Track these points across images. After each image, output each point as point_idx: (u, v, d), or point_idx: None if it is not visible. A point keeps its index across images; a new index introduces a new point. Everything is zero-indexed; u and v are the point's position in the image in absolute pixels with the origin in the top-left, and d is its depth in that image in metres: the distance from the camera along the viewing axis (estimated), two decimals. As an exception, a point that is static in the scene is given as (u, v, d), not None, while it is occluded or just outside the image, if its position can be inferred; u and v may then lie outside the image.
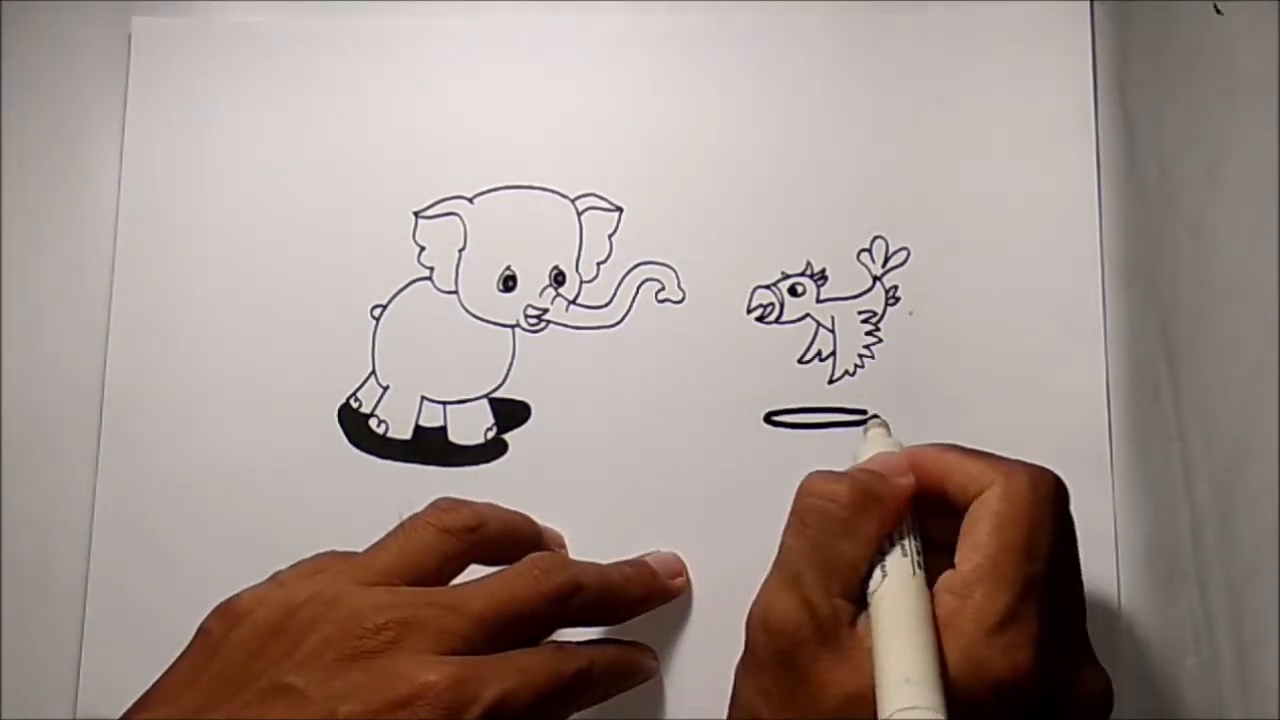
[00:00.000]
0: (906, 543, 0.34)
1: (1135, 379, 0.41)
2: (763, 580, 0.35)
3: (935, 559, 0.34)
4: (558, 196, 0.44)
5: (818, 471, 0.35)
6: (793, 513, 0.35)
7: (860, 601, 0.33)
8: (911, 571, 0.33)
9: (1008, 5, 0.44)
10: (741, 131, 0.44)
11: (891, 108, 0.44)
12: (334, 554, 0.36)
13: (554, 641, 0.36)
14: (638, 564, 0.40)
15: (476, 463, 0.43)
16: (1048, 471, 0.34)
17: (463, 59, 0.45)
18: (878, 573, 0.33)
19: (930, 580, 0.33)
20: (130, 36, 0.45)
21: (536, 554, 0.36)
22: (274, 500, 0.43)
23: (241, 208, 0.45)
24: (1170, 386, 0.39)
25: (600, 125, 0.44)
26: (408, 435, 0.43)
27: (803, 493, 0.35)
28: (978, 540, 0.32)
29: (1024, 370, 0.42)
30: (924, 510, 0.35)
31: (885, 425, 0.39)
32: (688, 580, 0.41)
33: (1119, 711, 0.39)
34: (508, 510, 0.39)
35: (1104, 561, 0.40)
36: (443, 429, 0.43)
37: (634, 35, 0.45)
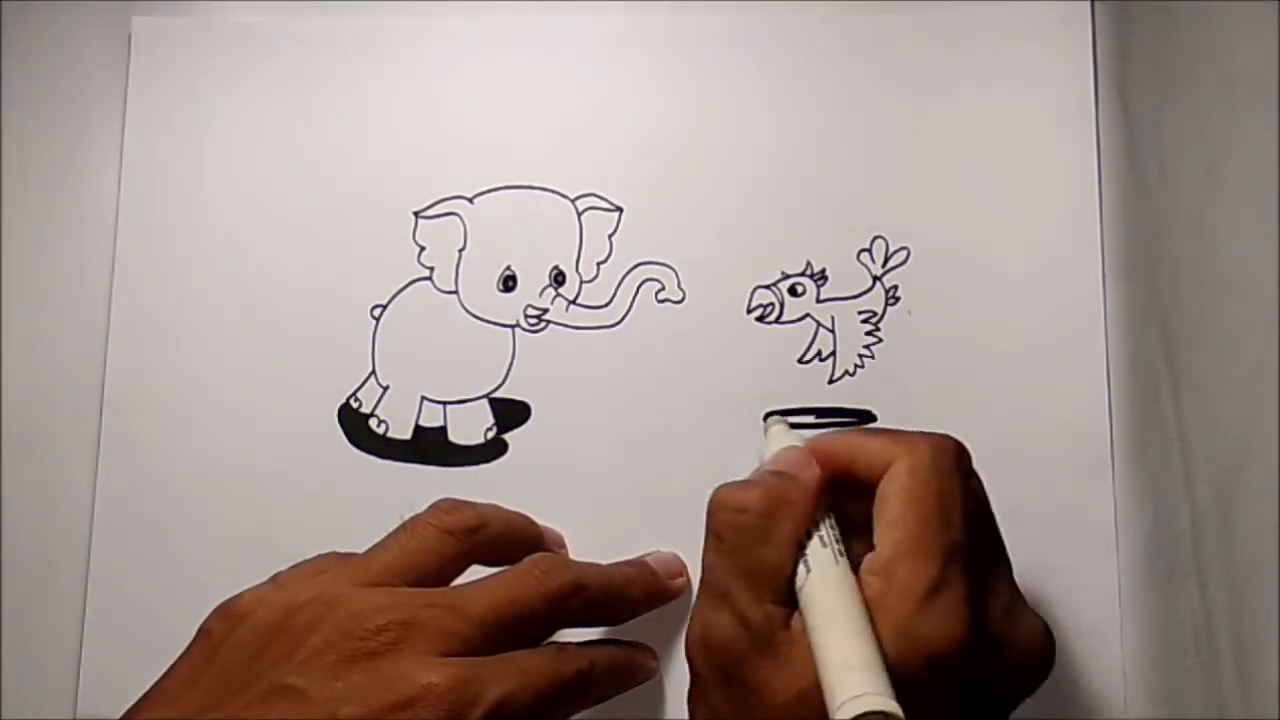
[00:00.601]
0: (824, 533, 0.34)
1: (1135, 379, 0.41)
2: (691, 606, 0.34)
3: (858, 541, 0.34)
4: (558, 196, 0.44)
5: (725, 485, 0.35)
6: (708, 530, 0.35)
7: (790, 602, 0.33)
8: (834, 560, 0.33)
9: (1008, 5, 0.44)
10: (741, 131, 0.44)
11: (891, 108, 0.44)
12: (335, 555, 0.36)
13: (555, 643, 0.36)
14: (638, 564, 0.40)
15: (476, 463, 0.43)
16: (947, 438, 0.34)
17: (463, 59, 0.45)
18: (801, 568, 0.33)
19: (855, 563, 0.33)
20: (130, 36, 0.45)
21: (537, 555, 0.36)
22: (274, 500, 0.43)
23: (241, 208, 0.45)
24: (1170, 386, 0.39)
25: (600, 125, 0.44)
26: (408, 435, 0.43)
27: (713, 508, 0.35)
28: (891, 517, 0.32)
29: (1024, 370, 0.42)
30: (839, 495, 0.35)
31: (784, 422, 0.40)
32: (688, 580, 0.41)
33: (1119, 711, 0.40)
34: (509, 511, 0.39)
35: (1104, 561, 0.41)
36: (443, 429, 0.43)
37: (634, 35, 0.45)
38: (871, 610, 0.31)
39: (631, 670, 0.38)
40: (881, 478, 0.34)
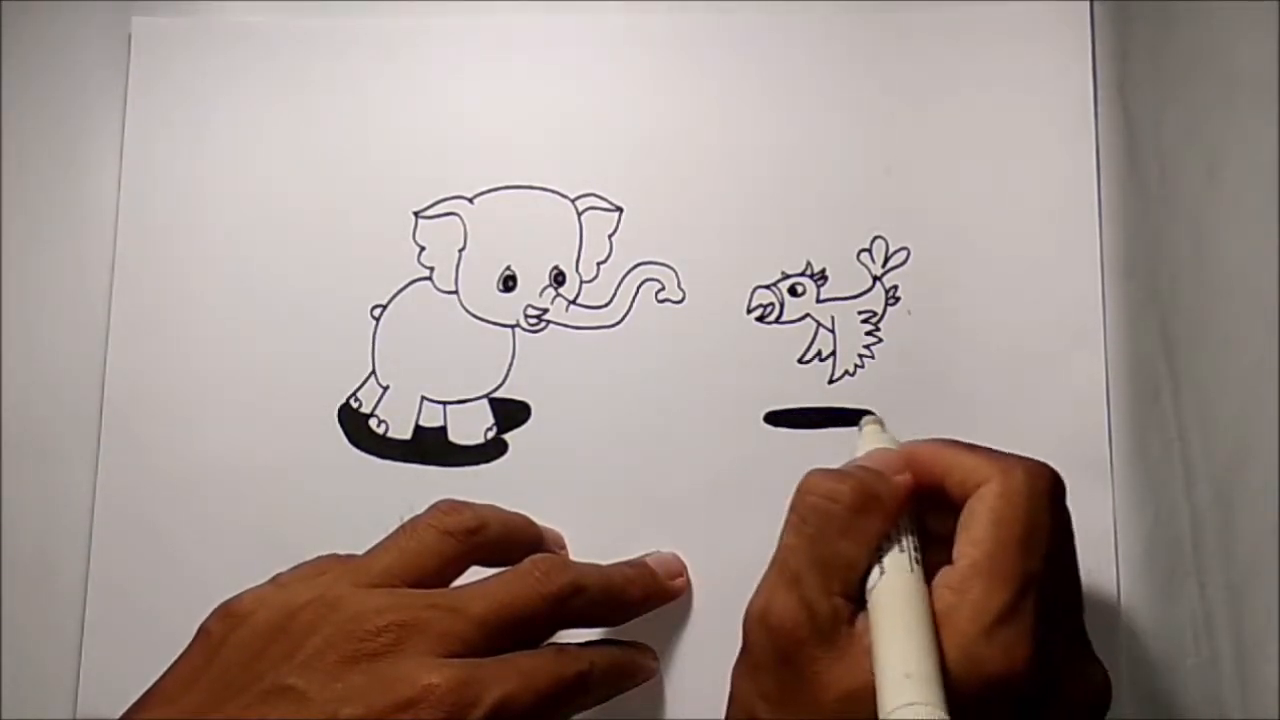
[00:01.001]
0: (904, 539, 0.34)
1: (1135, 379, 0.41)
2: (760, 578, 0.34)
3: (934, 554, 0.34)
4: (558, 196, 0.44)
5: (818, 470, 0.35)
6: (792, 510, 0.35)
7: (859, 601, 0.33)
8: (909, 568, 0.33)
9: (1008, 5, 0.44)
10: (741, 131, 0.44)
11: (891, 108, 0.44)
12: (335, 557, 0.36)
13: (554, 644, 0.36)
14: (638, 565, 0.40)
15: (476, 463, 0.43)
16: (1045, 466, 0.34)
17: (463, 59, 0.45)
18: (875, 570, 0.33)
19: (929, 575, 0.33)
20: (130, 36, 0.45)
21: (537, 555, 0.36)
22: (274, 500, 0.43)
23: (241, 207, 0.45)
24: (1170, 386, 0.39)
25: (600, 125, 0.44)
26: (408, 435, 0.43)
27: (803, 491, 0.35)
28: (975, 536, 0.32)
29: (1024, 370, 0.42)
30: (923, 505, 0.35)
31: (880, 421, 0.39)
32: (688, 581, 0.41)
33: (1119, 711, 0.40)
34: (508, 512, 0.39)
35: (1104, 561, 0.40)
36: (443, 429, 0.43)
37: (634, 35, 0.45)
38: (939, 625, 0.31)
39: (631, 671, 0.38)
40: (970, 494, 0.33)
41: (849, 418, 0.42)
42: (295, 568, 0.36)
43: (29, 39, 0.46)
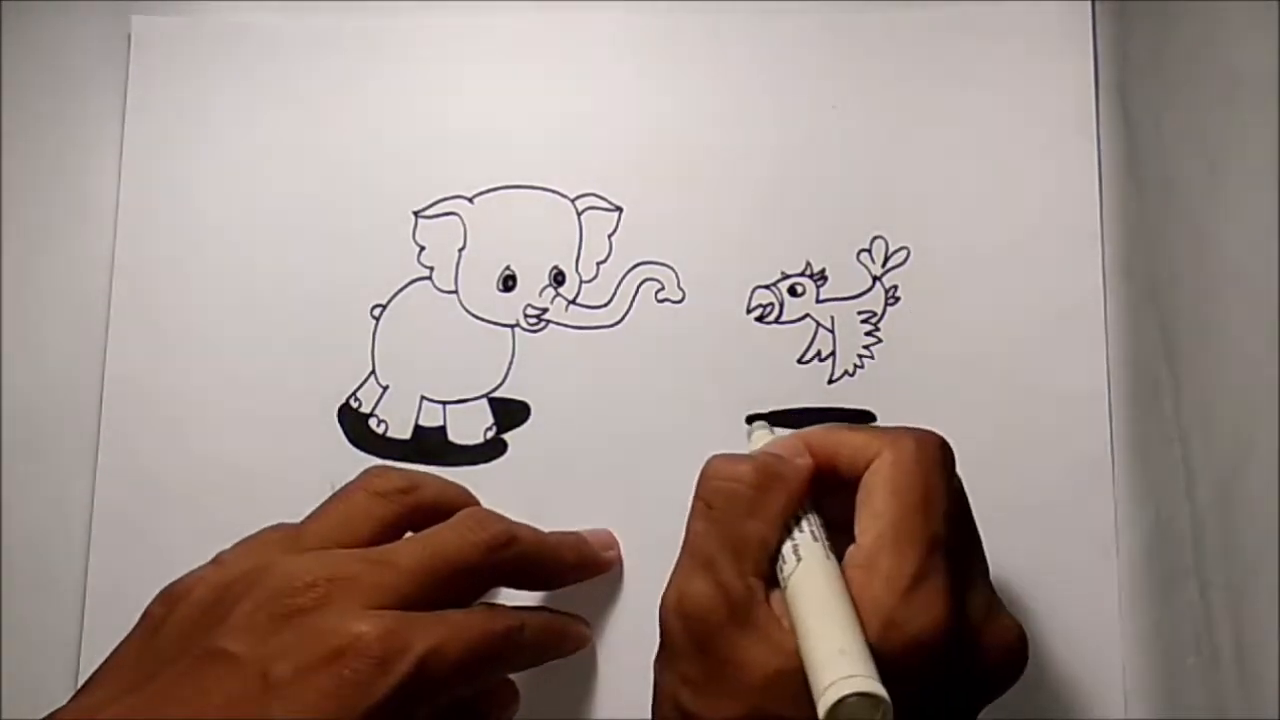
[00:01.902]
0: (812, 525, 0.34)
1: (1135, 379, 0.41)
2: (672, 568, 0.34)
3: (835, 538, 0.34)
4: (557, 196, 0.44)
5: (719, 455, 0.36)
6: (697, 496, 0.35)
7: (771, 580, 0.33)
8: (821, 549, 0.33)
9: (1008, 5, 0.44)
10: (741, 131, 0.44)
11: (891, 108, 0.44)
12: (274, 528, 0.36)
13: (485, 603, 0.36)
14: (571, 533, 0.40)
15: (476, 462, 0.43)
16: (931, 433, 0.34)
17: (463, 59, 0.45)
18: (790, 555, 0.33)
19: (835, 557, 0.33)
20: (130, 36, 0.45)
21: (471, 508, 0.36)
22: (273, 500, 0.43)
23: (241, 207, 0.45)
24: (1170, 386, 0.39)
25: (600, 125, 0.44)
26: (407, 435, 0.43)
27: (707, 475, 0.35)
28: (875, 508, 0.33)
29: (1024, 370, 0.42)
30: (817, 490, 0.35)
31: (767, 426, 0.40)
32: (619, 555, 0.41)
33: (1119, 711, 0.40)
34: (444, 480, 0.38)
35: (1104, 561, 0.40)
36: (442, 429, 0.43)
37: (634, 35, 0.45)
38: (856, 601, 0.31)
39: (563, 635, 0.38)
40: (863, 470, 0.34)
41: (848, 418, 0.42)
42: (236, 544, 0.36)
43: (29, 39, 0.46)
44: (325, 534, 0.35)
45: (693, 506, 0.35)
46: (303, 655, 0.30)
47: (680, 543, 0.42)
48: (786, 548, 0.33)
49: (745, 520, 0.33)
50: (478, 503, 0.38)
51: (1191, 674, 0.38)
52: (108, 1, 0.46)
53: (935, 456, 0.33)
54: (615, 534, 0.42)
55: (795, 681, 0.30)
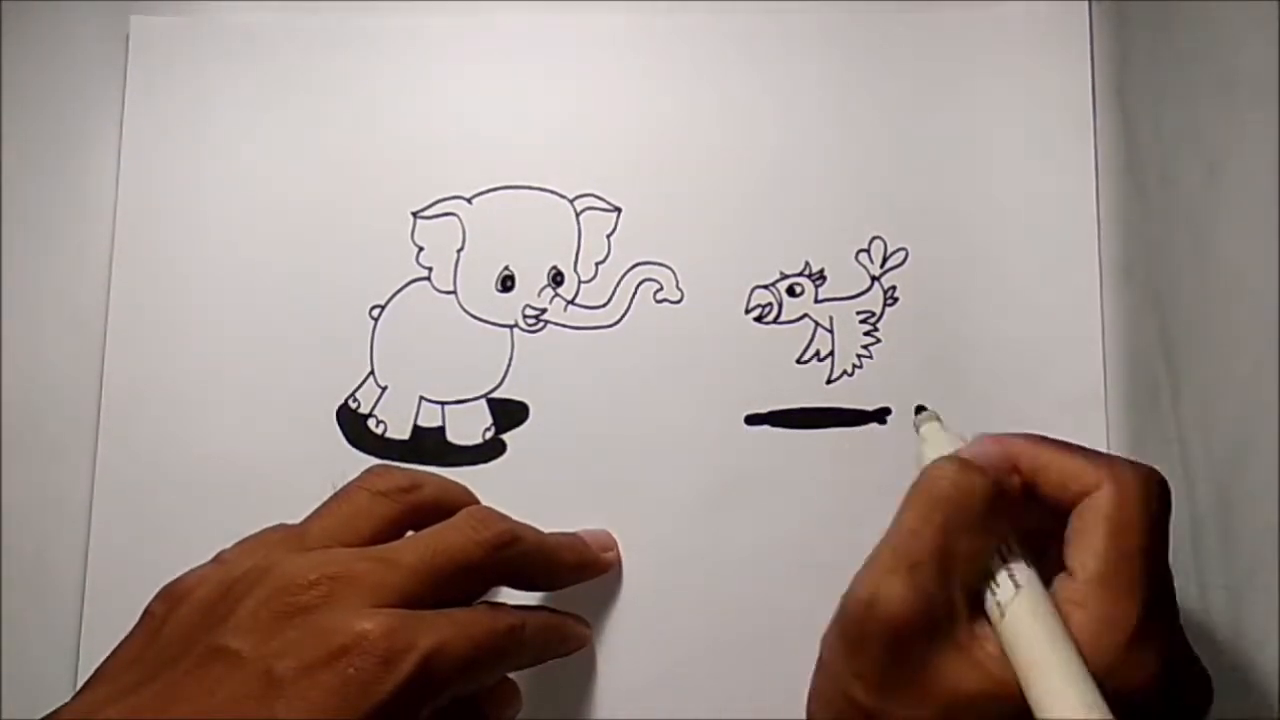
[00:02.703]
0: (1018, 548, 0.33)
1: (1135, 379, 0.41)
2: (871, 555, 0.33)
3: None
4: (556, 196, 0.44)
5: (948, 458, 0.34)
6: (919, 495, 0.33)
7: (973, 601, 0.32)
8: (1041, 585, 0.32)
9: (1008, 5, 0.44)
10: (741, 131, 0.44)
11: (890, 108, 0.44)
12: (275, 527, 0.36)
13: (487, 601, 0.35)
14: (570, 534, 0.40)
15: (474, 463, 0.43)
16: (1154, 471, 0.33)
17: (462, 59, 0.45)
18: (1007, 581, 0.32)
19: None
20: (129, 36, 0.45)
21: (473, 506, 0.36)
22: (272, 500, 0.43)
23: (240, 207, 0.45)
24: (1170, 386, 0.39)
25: (599, 125, 0.44)
26: (406, 435, 0.43)
27: (935, 477, 0.33)
28: (1095, 546, 0.31)
29: (1023, 371, 0.42)
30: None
31: (936, 416, 0.38)
32: (618, 556, 0.41)
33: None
34: (445, 479, 0.38)
35: (1104, 562, 0.40)
36: (441, 429, 0.43)
37: (634, 35, 0.45)
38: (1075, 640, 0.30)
39: (564, 634, 0.38)
40: (1073, 498, 0.32)
41: (849, 418, 0.42)
42: (237, 543, 0.36)
43: (28, 39, 0.46)
44: (327, 533, 0.35)
45: (911, 504, 0.33)
46: (306, 653, 0.30)
47: (678, 541, 0.42)
48: (1002, 573, 0.32)
49: (968, 534, 0.32)
50: (478, 501, 0.38)
51: (1191, 674, 0.38)
52: (107, 1, 0.46)
53: (1158, 496, 0.32)
54: (614, 534, 0.42)
55: (995, 706, 0.30)
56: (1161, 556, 0.32)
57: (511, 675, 0.37)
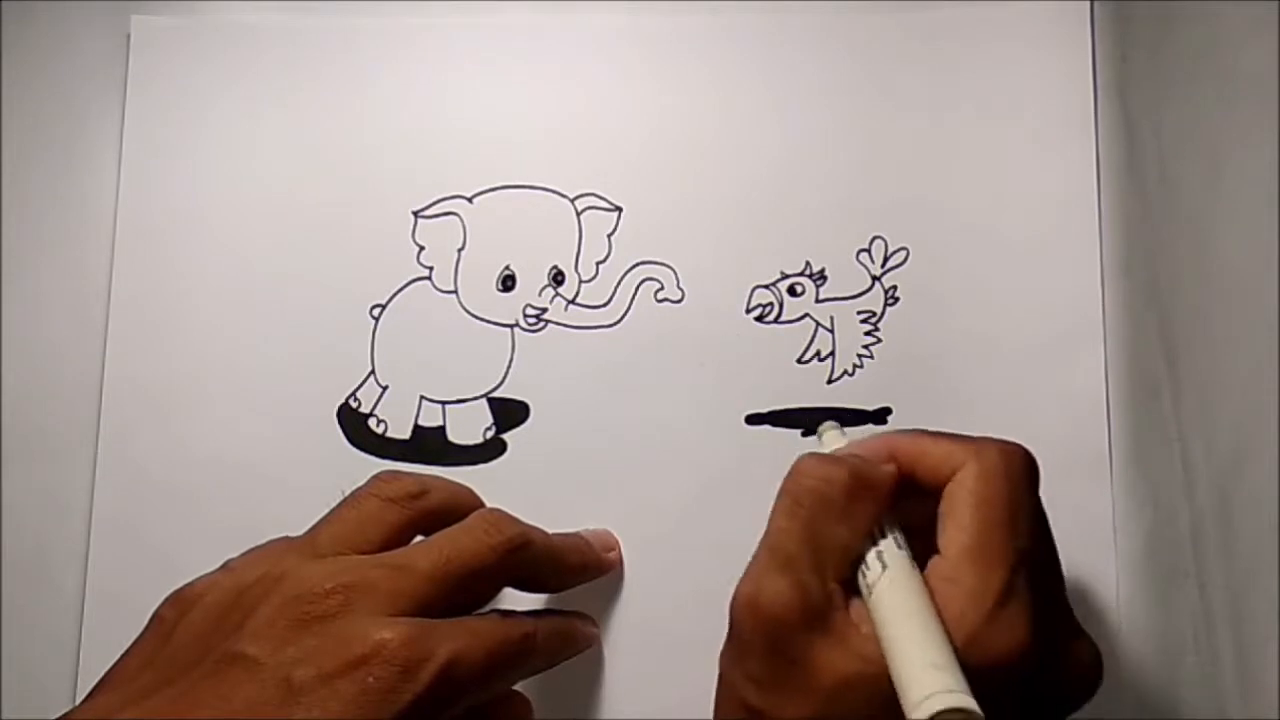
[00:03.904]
0: (895, 534, 0.34)
1: (1135, 379, 0.41)
2: (748, 563, 0.34)
3: (909, 545, 0.34)
4: (557, 196, 0.44)
5: (811, 454, 0.35)
6: (784, 493, 0.34)
7: (849, 586, 0.33)
8: (910, 564, 0.33)
9: (1008, 5, 0.44)
10: (741, 131, 0.44)
11: (891, 107, 0.44)
12: (284, 539, 0.36)
13: (498, 609, 0.36)
14: (574, 535, 0.40)
15: (475, 462, 0.43)
16: (1018, 445, 0.34)
17: (463, 59, 0.45)
18: (875, 563, 0.33)
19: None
20: (129, 36, 0.45)
21: (483, 509, 0.36)
22: (273, 500, 0.43)
23: (240, 207, 0.45)
24: (1170, 386, 0.39)
25: (600, 125, 0.44)
26: (407, 435, 0.43)
27: (798, 474, 0.34)
28: (960, 521, 0.32)
29: (1023, 371, 0.42)
30: (897, 496, 0.35)
31: (838, 426, 0.39)
32: (620, 555, 0.42)
33: (1119, 711, 0.39)
34: (453, 482, 0.38)
35: (1104, 561, 0.40)
36: (442, 428, 0.43)
37: (634, 35, 0.45)
38: (941, 614, 0.31)
39: (573, 636, 0.38)
40: (945, 481, 0.33)
41: (849, 418, 0.42)
42: (246, 552, 0.35)
43: (29, 39, 0.46)
44: (339, 540, 0.35)
45: (778, 503, 0.34)
46: (326, 662, 0.30)
47: (677, 541, 0.42)
48: (871, 555, 0.33)
49: (834, 524, 0.33)
50: (485, 505, 0.38)
51: (1191, 674, 0.38)
52: (108, 1, 0.46)
53: (1021, 470, 0.33)
54: (615, 534, 0.42)
55: (870, 687, 0.30)
56: (1030, 529, 0.32)
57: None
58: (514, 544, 0.35)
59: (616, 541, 0.42)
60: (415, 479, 0.37)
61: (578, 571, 0.39)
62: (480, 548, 0.34)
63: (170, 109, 0.45)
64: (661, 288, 0.43)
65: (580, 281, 0.44)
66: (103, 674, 0.33)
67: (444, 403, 0.43)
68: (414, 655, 0.31)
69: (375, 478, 0.37)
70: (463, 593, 0.34)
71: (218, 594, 0.33)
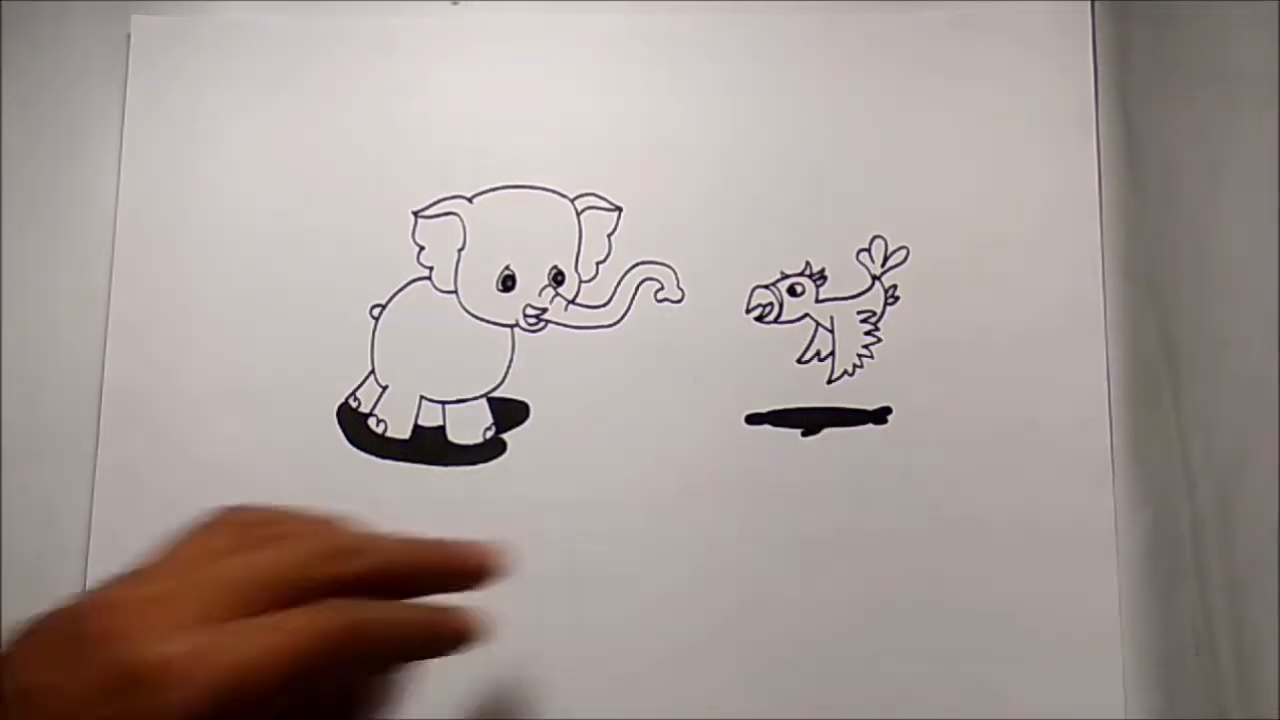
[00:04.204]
0: None
1: (1135, 379, 0.41)
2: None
3: None
4: (557, 196, 0.44)
5: None
6: None
7: None
8: None
9: (1008, 5, 0.44)
10: (741, 131, 0.44)
11: (891, 107, 0.44)
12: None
13: (330, 599, 0.31)
14: (435, 540, 0.34)
15: (475, 462, 0.43)
16: None
17: (463, 59, 0.45)
18: None
19: None
20: (129, 35, 0.45)
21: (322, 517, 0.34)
22: (272, 499, 0.43)
23: (240, 207, 0.45)
24: (1170, 386, 0.39)
25: (599, 125, 0.44)
26: (406, 435, 0.43)
27: None
28: None
29: (1024, 370, 0.42)
30: None
31: None
32: (499, 567, 0.34)
33: (1119, 711, 0.39)
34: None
35: (1104, 561, 0.40)
36: (441, 428, 0.43)
37: (634, 35, 0.45)
38: None
39: (434, 630, 0.33)
40: None
41: (849, 418, 0.42)
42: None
43: (29, 38, 0.46)
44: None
45: None
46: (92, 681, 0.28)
47: (677, 540, 0.42)
48: None
49: None
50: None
51: (1191, 674, 0.38)
52: (108, 1, 0.46)
53: None
54: (614, 532, 0.42)
55: None
56: None
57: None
58: (342, 549, 0.32)
59: (490, 553, 0.34)
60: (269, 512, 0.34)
61: (433, 574, 0.34)
62: (300, 554, 0.32)
63: (170, 108, 0.45)
64: (661, 288, 0.43)
65: (580, 281, 0.44)
66: None
67: (444, 403, 0.43)
68: (199, 668, 0.28)
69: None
70: (277, 600, 0.31)
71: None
